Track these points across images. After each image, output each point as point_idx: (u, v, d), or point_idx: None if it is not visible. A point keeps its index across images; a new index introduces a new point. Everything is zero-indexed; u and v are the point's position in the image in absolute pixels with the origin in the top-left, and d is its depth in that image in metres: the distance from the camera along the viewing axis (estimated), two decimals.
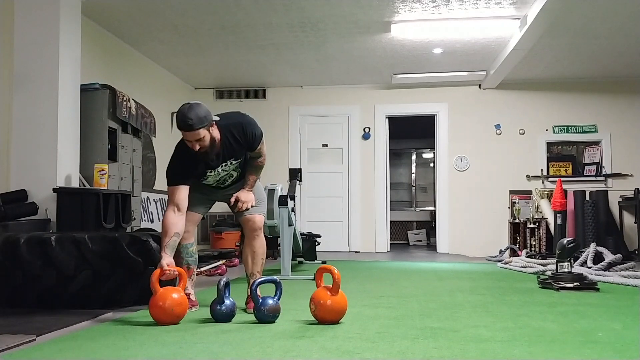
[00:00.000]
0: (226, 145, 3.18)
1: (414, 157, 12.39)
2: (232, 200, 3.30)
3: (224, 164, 3.25)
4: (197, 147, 3.07)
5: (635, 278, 4.44)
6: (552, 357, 2.17)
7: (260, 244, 3.40)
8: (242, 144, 3.22)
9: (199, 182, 3.30)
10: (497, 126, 8.41)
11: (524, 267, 5.59)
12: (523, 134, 8.36)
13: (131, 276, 3.40)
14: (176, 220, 3.17)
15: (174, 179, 3.25)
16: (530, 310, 3.25)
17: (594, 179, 8.17)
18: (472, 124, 8.43)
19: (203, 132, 3.03)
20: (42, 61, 4.51)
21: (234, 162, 3.27)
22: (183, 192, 3.21)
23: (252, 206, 3.33)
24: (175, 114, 7.73)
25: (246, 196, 3.31)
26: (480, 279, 4.97)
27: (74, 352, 2.29)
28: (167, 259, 3.06)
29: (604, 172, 8.15)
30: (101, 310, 3.20)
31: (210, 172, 3.25)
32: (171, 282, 3.08)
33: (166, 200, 6.90)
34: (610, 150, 8.19)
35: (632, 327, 2.76)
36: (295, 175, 5.86)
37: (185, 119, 2.99)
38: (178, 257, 3.33)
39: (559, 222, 6.92)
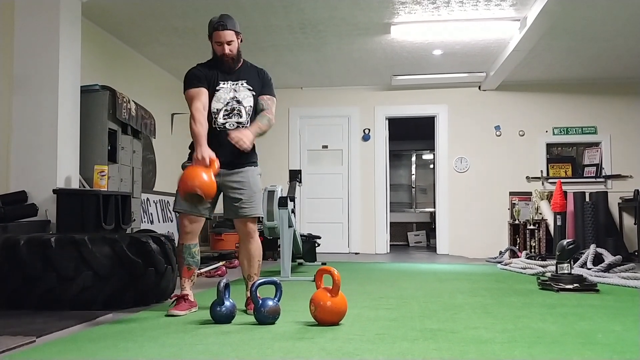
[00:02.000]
0: (245, 68, 3.39)
1: (413, 158, 12.39)
2: (231, 139, 3.12)
3: (236, 82, 3.34)
4: (227, 50, 3.26)
5: (635, 279, 4.44)
6: (552, 359, 2.17)
7: (255, 247, 3.38)
8: (259, 75, 3.40)
9: (209, 98, 3.30)
10: (497, 127, 8.42)
11: (524, 269, 5.59)
12: (523, 135, 8.37)
13: (131, 278, 3.40)
14: (205, 119, 3.22)
15: (192, 80, 3.32)
16: (530, 312, 3.25)
17: (593, 180, 8.18)
18: (472, 125, 8.44)
19: (234, 36, 3.28)
20: (42, 63, 4.51)
21: (245, 84, 3.35)
22: (204, 94, 3.28)
23: (245, 147, 3.16)
24: (173, 115, 7.79)
25: (243, 133, 3.16)
26: (480, 281, 4.97)
27: (73, 353, 2.29)
28: (205, 151, 3.09)
29: (603, 174, 8.15)
30: (101, 311, 3.20)
31: (224, 83, 3.33)
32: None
33: (167, 200, 6.88)
34: (610, 151, 8.20)
35: (632, 328, 2.75)
36: (295, 176, 5.85)
37: (220, 21, 3.26)
38: (180, 257, 3.33)
39: (558, 223, 6.92)
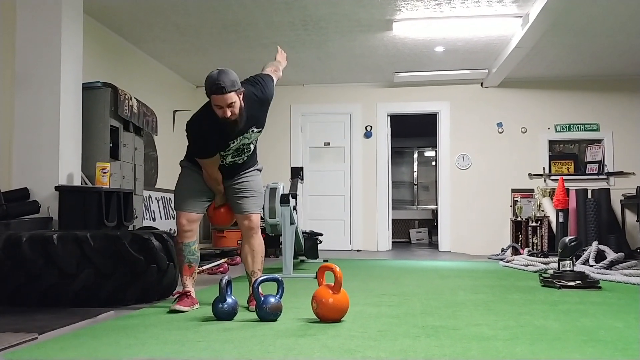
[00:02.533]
0: (250, 112, 3.14)
1: (415, 155, 12.38)
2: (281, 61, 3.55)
3: (246, 132, 3.19)
4: (229, 114, 2.98)
5: (637, 276, 4.44)
6: (554, 356, 2.17)
7: (258, 242, 3.39)
8: (264, 105, 3.27)
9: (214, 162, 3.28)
10: (499, 124, 8.40)
11: (526, 266, 5.58)
12: (525, 132, 8.35)
13: (133, 275, 3.40)
14: (215, 175, 3.29)
15: (204, 152, 3.20)
16: (532, 309, 3.24)
17: (596, 177, 8.17)
18: (474, 122, 8.42)
19: (235, 97, 2.98)
20: (44, 60, 4.51)
21: (255, 129, 3.24)
22: (216, 162, 3.24)
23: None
24: (174, 112, 7.79)
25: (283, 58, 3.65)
26: (482, 278, 4.97)
27: (75, 350, 2.29)
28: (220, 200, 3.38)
29: (606, 171, 8.14)
30: (103, 308, 3.20)
31: (233, 142, 3.19)
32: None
33: (168, 198, 6.89)
34: (613, 148, 8.18)
35: (634, 325, 2.75)
36: (297, 173, 5.85)
37: (217, 82, 2.94)
38: (180, 255, 3.34)
39: (561, 220, 6.91)
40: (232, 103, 2.98)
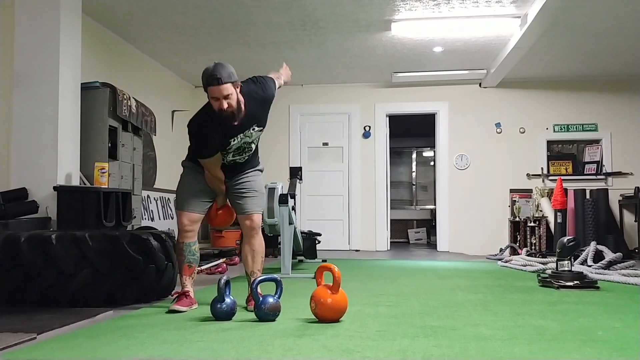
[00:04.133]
0: (250, 110, 3.16)
1: (414, 155, 12.39)
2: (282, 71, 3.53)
3: (247, 130, 3.20)
4: (225, 105, 3.00)
5: (635, 277, 4.44)
6: (552, 356, 2.17)
7: (259, 242, 3.39)
8: (264, 105, 3.27)
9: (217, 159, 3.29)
10: (498, 125, 8.41)
11: (524, 266, 5.59)
12: (523, 132, 8.36)
13: (132, 275, 3.40)
14: (218, 175, 3.30)
15: (205, 151, 3.20)
16: (531, 309, 3.25)
17: (594, 177, 8.17)
18: (473, 122, 8.43)
19: (231, 89, 3.00)
20: (43, 59, 4.51)
21: (256, 128, 3.25)
22: (218, 162, 3.26)
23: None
24: (173, 112, 7.79)
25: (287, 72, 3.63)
26: (480, 278, 4.97)
27: (74, 350, 2.29)
28: (221, 200, 3.39)
29: (604, 171, 8.15)
30: (101, 308, 3.20)
31: (234, 140, 3.19)
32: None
33: (167, 198, 6.89)
34: (611, 148, 8.19)
35: (632, 325, 2.76)
36: (295, 173, 5.85)
37: (213, 74, 2.97)
38: (180, 255, 3.34)
39: (559, 220, 6.92)
40: (228, 95, 3.00)
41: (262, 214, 4.84)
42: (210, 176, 3.31)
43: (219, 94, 2.99)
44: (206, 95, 3.09)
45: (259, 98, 3.24)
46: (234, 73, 3.04)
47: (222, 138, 3.15)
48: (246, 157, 3.35)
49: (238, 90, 3.07)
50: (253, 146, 3.35)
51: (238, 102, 3.07)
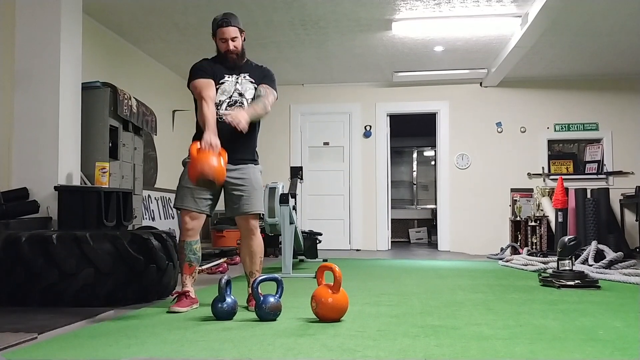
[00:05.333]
0: (248, 63, 3.45)
1: (415, 155, 12.39)
2: (227, 119, 3.16)
3: (240, 75, 3.38)
4: (232, 46, 3.31)
5: (636, 276, 4.44)
6: (553, 355, 2.17)
7: (257, 243, 3.38)
8: (260, 68, 3.47)
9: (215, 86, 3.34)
10: (499, 124, 8.41)
11: (525, 265, 5.59)
12: (524, 131, 8.36)
13: (132, 274, 3.40)
14: (213, 109, 3.26)
15: (198, 72, 3.34)
16: (532, 308, 3.25)
17: (595, 176, 8.17)
18: (473, 122, 8.43)
19: (238, 32, 3.33)
20: (44, 59, 4.51)
21: (247, 77, 3.38)
22: (211, 86, 3.30)
23: (243, 129, 3.16)
24: (174, 112, 7.78)
25: (238, 113, 3.16)
26: (481, 277, 4.97)
27: (75, 350, 2.29)
28: (215, 139, 3.09)
29: (605, 170, 8.15)
30: (102, 308, 3.20)
31: (229, 76, 3.36)
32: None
33: (168, 197, 6.90)
34: (612, 148, 8.18)
35: (633, 325, 2.75)
36: (296, 173, 5.86)
37: (224, 17, 3.32)
38: (181, 254, 3.33)
39: (560, 220, 6.91)
40: (235, 37, 3.32)
41: (263, 214, 4.82)
42: (201, 112, 3.23)
43: (228, 35, 3.31)
44: (215, 41, 3.37)
45: (258, 64, 3.51)
46: (241, 22, 3.38)
47: (218, 70, 3.36)
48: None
49: (243, 38, 3.38)
50: (245, 103, 3.33)
51: (242, 48, 3.38)
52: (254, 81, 3.39)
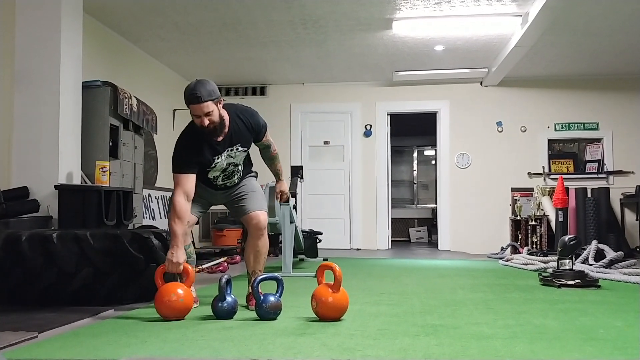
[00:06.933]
0: (234, 128, 3.21)
1: (415, 154, 12.38)
2: (277, 193, 3.71)
3: (230, 149, 3.23)
4: (207, 122, 3.04)
5: (636, 275, 4.44)
6: (553, 355, 2.17)
7: (264, 243, 3.38)
8: (249, 129, 3.27)
9: (204, 176, 3.27)
10: (499, 123, 8.40)
11: (526, 265, 5.59)
12: (525, 131, 8.35)
13: (133, 273, 3.40)
14: (187, 207, 3.16)
15: (181, 166, 3.19)
16: (532, 308, 3.25)
17: (595, 176, 8.17)
18: (474, 121, 8.42)
19: (212, 106, 3.04)
20: (44, 58, 4.51)
21: (240, 148, 3.27)
22: (191, 181, 3.17)
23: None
24: (174, 111, 7.79)
25: (285, 187, 3.76)
26: (481, 277, 4.97)
27: (75, 349, 2.29)
28: (181, 255, 3.02)
29: (605, 170, 8.14)
30: (102, 307, 3.20)
31: (217, 157, 3.21)
32: (173, 277, 3.06)
33: (167, 197, 6.90)
34: (612, 147, 8.18)
35: (634, 324, 2.75)
36: (296, 172, 5.86)
37: (193, 92, 3.02)
38: None
39: (560, 219, 6.91)
40: (209, 112, 3.04)
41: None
42: (176, 215, 3.10)
43: (200, 111, 3.03)
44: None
45: (244, 119, 3.27)
46: (215, 90, 3.08)
47: (206, 156, 3.18)
48: (236, 180, 3.40)
49: (220, 106, 3.12)
50: (240, 168, 3.36)
51: (221, 117, 3.12)
52: (246, 148, 3.33)
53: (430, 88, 8.50)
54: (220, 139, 3.16)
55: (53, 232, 3.39)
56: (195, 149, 3.17)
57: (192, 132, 3.18)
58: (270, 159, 3.58)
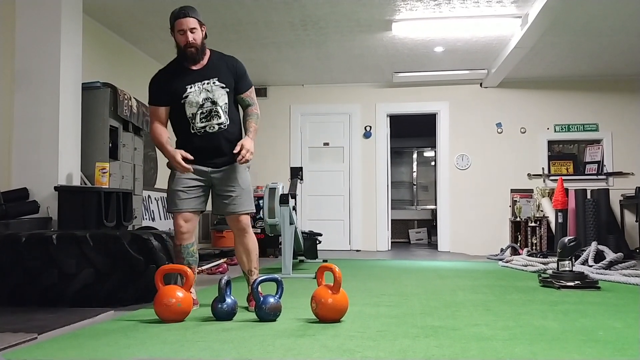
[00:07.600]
0: (213, 62, 3.28)
1: (415, 155, 12.38)
2: (237, 148, 3.14)
3: (206, 82, 3.23)
4: (191, 38, 3.15)
5: (636, 277, 4.44)
6: (553, 356, 2.17)
7: (251, 241, 3.37)
8: (230, 68, 3.29)
9: (183, 116, 3.22)
10: (499, 125, 8.41)
11: (525, 266, 5.58)
12: (524, 132, 8.36)
13: (132, 275, 3.40)
14: (164, 129, 3.29)
15: (154, 96, 3.31)
16: (531, 309, 3.25)
17: (595, 177, 8.17)
18: (474, 122, 8.43)
19: (197, 24, 3.18)
20: (44, 59, 4.51)
21: (217, 83, 3.24)
22: (164, 112, 3.29)
23: (248, 160, 3.19)
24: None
25: (249, 144, 3.17)
26: (481, 278, 4.97)
27: (75, 350, 2.29)
28: (176, 152, 3.16)
29: (605, 171, 8.15)
30: (102, 308, 3.20)
31: (190, 87, 3.22)
32: (170, 277, 3.05)
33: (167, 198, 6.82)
34: (612, 148, 8.18)
35: (633, 325, 2.75)
36: (296, 173, 5.85)
37: (182, 8, 3.18)
38: (179, 258, 3.33)
39: (560, 220, 6.91)
40: (194, 29, 3.17)
41: (263, 215, 4.87)
42: (153, 137, 3.30)
43: (186, 26, 3.16)
44: (173, 37, 3.24)
45: (227, 60, 3.34)
46: (201, 16, 3.24)
47: (179, 83, 3.22)
48: (217, 128, 3.24)
49: (204, 33, 3.24)
50: (220, 111, 3.23)
51: (203, 44, 3.23)
52: (225, 85, 3.25)
53: (430, 89, 8.50)
54: (195, 68, 3.23)
55: (53, 234, 3.40)
56: (168, 76, 3.27)
57: (167, 66, 3.33)
58: (247, 114, 3.34)
